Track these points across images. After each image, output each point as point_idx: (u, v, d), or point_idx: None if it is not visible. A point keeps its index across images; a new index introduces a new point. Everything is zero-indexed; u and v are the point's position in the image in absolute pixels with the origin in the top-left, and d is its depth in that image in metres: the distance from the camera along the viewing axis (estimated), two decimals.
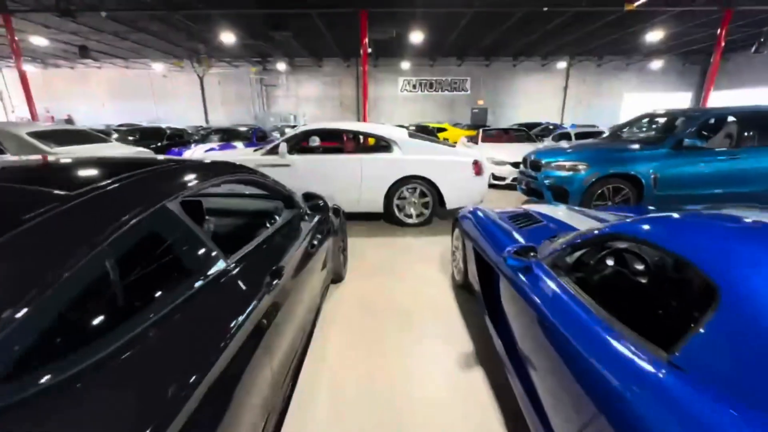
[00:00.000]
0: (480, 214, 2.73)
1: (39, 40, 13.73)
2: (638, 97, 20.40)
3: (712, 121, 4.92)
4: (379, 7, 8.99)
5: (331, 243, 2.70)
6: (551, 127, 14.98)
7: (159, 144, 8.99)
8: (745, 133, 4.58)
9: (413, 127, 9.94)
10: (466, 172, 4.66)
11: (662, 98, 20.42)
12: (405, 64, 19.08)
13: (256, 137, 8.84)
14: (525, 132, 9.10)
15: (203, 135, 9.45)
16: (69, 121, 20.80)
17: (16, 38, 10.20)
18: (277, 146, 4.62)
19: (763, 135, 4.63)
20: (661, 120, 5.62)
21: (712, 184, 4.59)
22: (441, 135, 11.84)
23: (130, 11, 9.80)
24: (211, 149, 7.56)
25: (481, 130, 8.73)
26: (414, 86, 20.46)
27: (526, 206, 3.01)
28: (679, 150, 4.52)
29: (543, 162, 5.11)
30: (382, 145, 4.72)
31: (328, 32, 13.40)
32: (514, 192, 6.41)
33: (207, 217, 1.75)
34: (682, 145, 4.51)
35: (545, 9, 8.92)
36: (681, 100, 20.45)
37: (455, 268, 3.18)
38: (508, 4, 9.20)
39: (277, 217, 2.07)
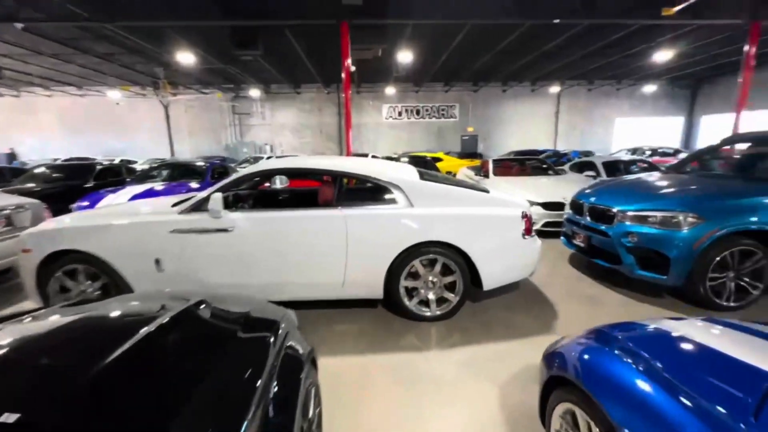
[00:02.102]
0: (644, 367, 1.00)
1: None
2: (630, 122, 19.82)
3: None
4: (363, 18, 7.59)
5: None
6: (550, 154, 13.80)
7: (85, 185, 7.00)
8: None
9: (405, 159, 8.30)
10: (513, 232, 2.95)
11: (654, 123, 19.92)
12: (389, 90, 17.92)
13: (212, 174, 6.98)
14: (541, 162, 7.62)
15: (144, 172, 7.51)
16: (11, 156, 18.40)
17: None
18: (206, 200, 2.80)
19: None
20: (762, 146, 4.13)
21: None
22: (438, 166, 10.29)
23: (52, 23, 8.02)
24: (141, 195, 5.66)
25: (491, 161, 7.18)
26: (399, 113, 19.27)
27: (665, 324, 1.36)
28: None
29: (615, 210, 3.46)
30: (381, 192, 2.97)
31: (305, 55, 12.00)
32: (547, 242, 4.73)
33: None
34: None
35: (556, 21, 7.71)
36: (673, 124, 19.98)
37: None
38: (514, 14, 7.95)
39: None
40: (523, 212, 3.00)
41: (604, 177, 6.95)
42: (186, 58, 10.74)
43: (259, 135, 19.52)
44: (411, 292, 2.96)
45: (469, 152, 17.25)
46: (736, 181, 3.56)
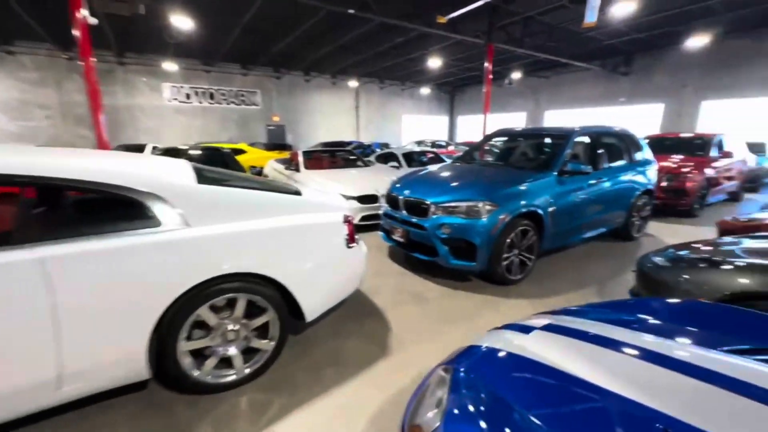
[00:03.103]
0: None
1: None
2: (413, 118, 23.33)
3: (587, 140, 4.58)
4: None
5: None
6: (356, 145, 14.49)
7: None
8: (600, 152, 4.38)
9: (200, 151, 6.63)
10: (335, 244, 2.38)
11: (430, 120, 24.18)
12: (170, 66, 14.49)
13: None
14: (350, 153, 7.56)
15: None
16: None
17: None
18: None
19: (611, 153, 4.60)
20: (517, 140, 5.08)
21: (589, 211, 4.13)
22: (240, 159, 8.82)
23: None
24: None
25: (301, 153, 6.53)
26: (188, 96, 16.02)
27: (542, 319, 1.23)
28: (563, 176, 3.80)
29: (429, 203, 3.44)
30: (127, 207, 1.78)
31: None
32: (364, 237, 4.56)
33: None
34: (566, 169, 3.82)
35: (351, 11, 7.66)
36: (442, 122, 24.79)
37: None
38: None
39: None
40: (344, 216, 2.47)
41: (405, 167, 7.51)
42: None
43: None
44: (201, 354, 1.97)
45: (277, 143, 16.17)
46: (506, 170, 4.17)
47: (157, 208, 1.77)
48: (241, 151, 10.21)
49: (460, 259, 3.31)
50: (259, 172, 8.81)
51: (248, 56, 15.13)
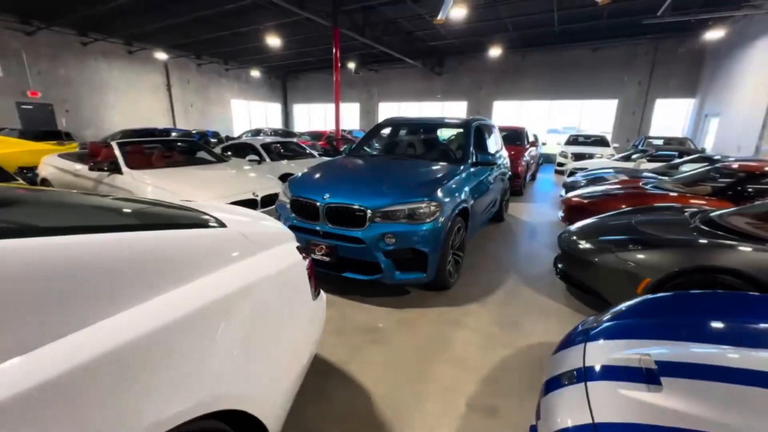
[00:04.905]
0: None
1: None
2: (243, 104, 20.72)
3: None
4: None
5: None
6: (181, 134, 11.56)
7: None
8: (487, 141, 4.57)
9: None
10: (300, 298, 1.44)
11: (262, 107, 22.01)
12: None
13: None
14: (193, 144, 5.74)
15: None
16: None
17: None
18: None
19: (487, 143, 4.87)
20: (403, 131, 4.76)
21: (487, 199, 4.27)
22: None
23: None
24: None
25: (115, 145, 4.42)
26: None
27: None
28: (475, 167, 3.76)
29: (364, 208, 2.70)
30: None
31: None
32: None
33: None
34: (478, 160, 3.78)
35: None
36: (275, 109, 22.99)
37: None
38: None
39: None
40: (298, 247, 1.53)
41: (268, 161, 6.28)
42: None
43: None
44: None
45: (43, 131, 11.22)
46: (419, 162, 3.81)
47: None
48: None
49: (408, 272, 2.77)
50: (32, 177, 5.66)
51: None
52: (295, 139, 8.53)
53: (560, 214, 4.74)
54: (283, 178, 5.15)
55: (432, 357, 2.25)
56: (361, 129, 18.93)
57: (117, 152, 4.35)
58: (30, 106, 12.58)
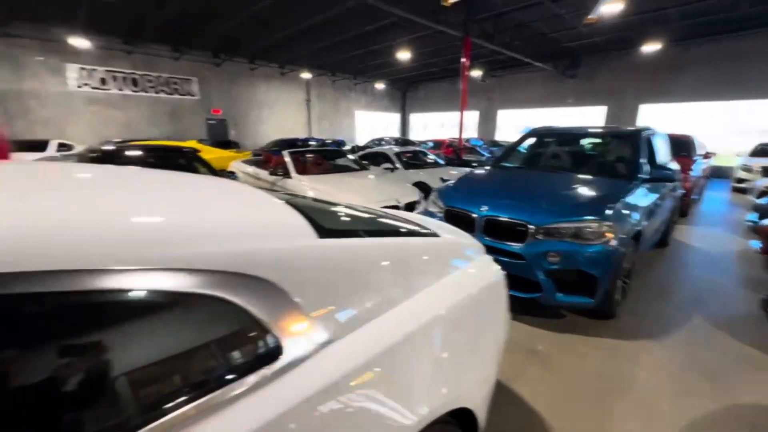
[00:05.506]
0: None
1: None
2: (367, 115, 22.40)
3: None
4: None
5: None
6: (319, 144, 13.18)
7: None
8: (660, 152, 3.96)
9: (142, 152, 5.05)
10: (500, 316, 1.47)
11: (383, 117, 23.46)
12: (77, 42, 11.59)
13: None
14: (339, 154, 6.47)
15: None
16: None
17: None
18: None
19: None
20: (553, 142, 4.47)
21: (658, 222, 3.69)
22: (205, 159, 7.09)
23: None
24: None
25: (287, 154, 5.29)
26: (103, 81, 13.16)
27: None
28: (646, 184, 3.29)
29: (526, 222, 2.64)
30: None
31: None
32: None
33: None
34: (654, 176, 3.30)
35: None
36: (393, 119, 24.22)
37: None
38: None
39: None
40: (495, 263, 1.57)
41: (402, 169, 6.65)
42: None
43: None
44: None
45: (220, 140, 14.12)
46: (579, 177, 3.49)
47: None
48: (195, 151, 8.34)
49: (572, 294, 2.58)
50: (234, 178, 7.17)
51: (181, 36, 12.87)
52: (422, 148, 8.83)
53: (755, 244, 3.80)
54: (416, 186, 5.38)
55: (612, 394, 2.05)
56: (480, 137, 18.50)
57: (288, 160, 5.20)
58: (213, 121, 16.02)
